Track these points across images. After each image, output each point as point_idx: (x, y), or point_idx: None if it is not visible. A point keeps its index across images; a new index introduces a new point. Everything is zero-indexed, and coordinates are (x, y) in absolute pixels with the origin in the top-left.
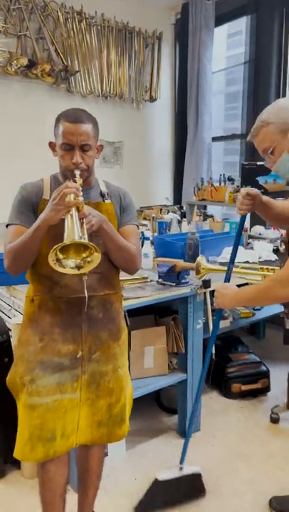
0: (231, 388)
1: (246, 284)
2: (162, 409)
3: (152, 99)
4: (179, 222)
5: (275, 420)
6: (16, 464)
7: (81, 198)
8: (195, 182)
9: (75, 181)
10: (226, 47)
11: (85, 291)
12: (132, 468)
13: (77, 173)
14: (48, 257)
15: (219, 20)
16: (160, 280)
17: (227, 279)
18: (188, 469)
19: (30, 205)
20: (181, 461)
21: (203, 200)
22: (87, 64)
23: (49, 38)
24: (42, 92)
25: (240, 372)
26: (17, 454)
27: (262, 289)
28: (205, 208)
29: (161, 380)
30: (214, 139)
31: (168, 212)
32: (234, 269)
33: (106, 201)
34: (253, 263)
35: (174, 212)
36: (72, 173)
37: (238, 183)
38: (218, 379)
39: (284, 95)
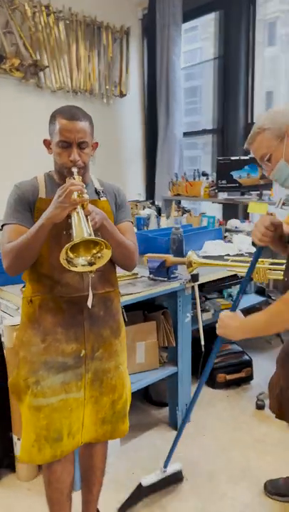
0: (216, 378)
1: (235, 275)
2: (151, 403)
3: (122, 95)
4: (157, 217)
5: (260, 407)
6: (11, 467)
7: (86, 196)
8: (170, 177)
9: (73, 179)
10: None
11: (90, 289)
12: (128, 463)
13: (75, 170)
14: (60, 258)
15: (187, 16)
16: (151, 276)
17: (234, 308)
18: (171, 469)
19: (26, 203)
20: (166, 465)
21: (178, 195)
22: (57, 59)
23: (17, 32)
24: (11, 87)
25: (225, 363)
26: (23, 456)
27: (274, 314)
28: (179, 203)
29: (153, 374)
30: (185, 135)
31: (144, 208)
32: (226, 263)
33: (102, 199)
34: (234, 255)
35: (149, 207)
36: (70, 170)
37: (213, 177)
38: (202, 370)
39: (252, 91)
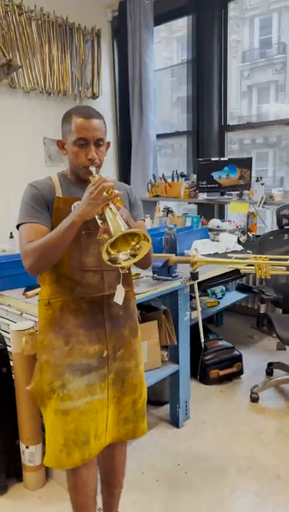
0: (209, 375)
1: (230, 272)
2: (148, 402)
3: (94, 96)
4: None
5: (255, 399)
6: (18, 477)
7: (117, 191)
8: (148, 179)
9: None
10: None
11: (120, 284)
12: (136, 462)
13: (93, 169)
14: (103, 257)
15: (159, 20)
16: (155, 275)
17: None
18: None
19: (44, 203)
20: None
21: (157, 196)
22: (29, 59)
23: None
24: None
25: (217, 359)
26: (50, 462)
27: None
28: (155, 204)
29: (156, 373)
30: (158, 136)
31: None
32: (225, 260)
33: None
34: (222, 253)
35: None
36: (87, 169)
37: (193, 178)
38: (195, 367)
39: (225, 94)
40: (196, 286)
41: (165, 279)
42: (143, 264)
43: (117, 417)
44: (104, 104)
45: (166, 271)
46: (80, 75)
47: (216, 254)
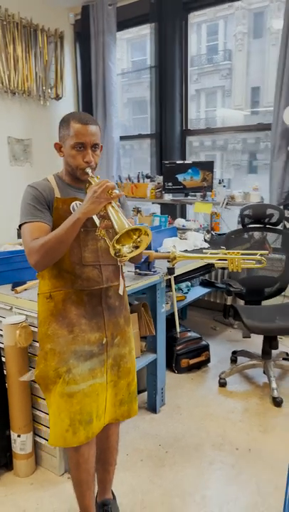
0: (181, 364)
1: (205, 266)
2: None
3: (58, 97)
4: None
5: (223, 384)
6: (7, 466)
7: (118, 191)
8: (113, 180)
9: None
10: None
11: (121, 277)
12: (120, 446)
13: (89, 171)
14: (110, 251)
15: (122, 26)
16: (137, 270)
17: None
18: None
19: (45, 202)
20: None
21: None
22: None
23: None
24: None
25: (187, 349)
26: (57, 441)
27: None
28: None
29: (137, 362)
30: (122, 138)
31: None
32: (201, 256)
33: None
34: (192, 250)
35: None
36: (84, 171)
37: (158, 180)
38: (167, 357)
39: (186, 100)
40: (172, 281)
41: (146, 273)
42: (135, 258)
43: (114, 398)
44: (67, 105)
45: (146, 266)
46: (44, 76)
47: (185, 251)
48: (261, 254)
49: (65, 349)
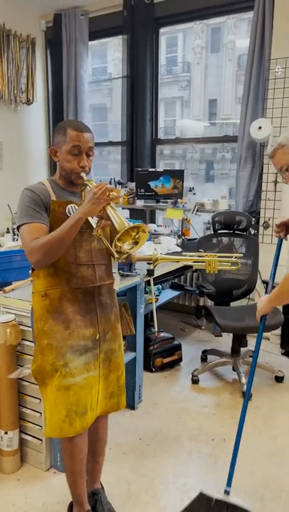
0: (155, 363)
1: (186, 268)
2: None
3: (29, 102)
4: None
5: (195, 381)
6: None
7: (115, 193)
8: None
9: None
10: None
11: (117, 273)
12: None
13: (84, 175)
14: (112, 250)
15: (94, 36)
16: (120, 271)
17: (267, 292)
18: (236, 500)
19: (42, 204)
20: (228, 484)
21: None
22: None
23: None
24: None
25: (161, 348)
26: (54, 432)
27: (283, 284)
28: None
29: None
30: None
31: None
32: (181, 258)
33: None
34: (165, 254)
35: None
36: (79, 175)
37: (130, 186)
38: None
39: (156, 109)
40: (152, 282)
41: (128, 274)
42: (128, 258)
43: (105, 391)
44: (38, 110)
45: (128, 268)
46: (15, 81)
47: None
48: (236, 257)
49: (62, 344)
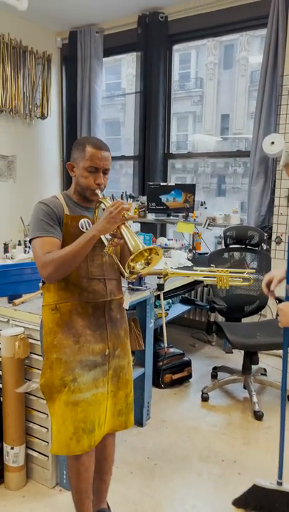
0: (164, 379)
1: (197, 283)
2: None
3: (43, 117)
4: None
5: (205, 399)
6: (0, 478)
7: (131, 214)
8: None
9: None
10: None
11: (127, 291)
12: None
13: (99, 192)
14: (125, 271)
15: (109, 52)
16: (130, 285)
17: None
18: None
19: (56, 219)
20: (280, 477)
21: None
22: None
23: None
24: None
25: (170, 364)
26: (61, 450)
27: None
28: None
29: None
30: None
31: None
32: (192, 273)
33: None
34: (176, 269)
35: None
36: (94, 192)
37: (142, 200)
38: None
39: (169, 124)
40: (162, 296)
41: (138, 288)
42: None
43: (113, 409)
44: (52, 124)
45: (138, 282)
46: (31, 96)
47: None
48: (248, 273)
49: (71, 358)
